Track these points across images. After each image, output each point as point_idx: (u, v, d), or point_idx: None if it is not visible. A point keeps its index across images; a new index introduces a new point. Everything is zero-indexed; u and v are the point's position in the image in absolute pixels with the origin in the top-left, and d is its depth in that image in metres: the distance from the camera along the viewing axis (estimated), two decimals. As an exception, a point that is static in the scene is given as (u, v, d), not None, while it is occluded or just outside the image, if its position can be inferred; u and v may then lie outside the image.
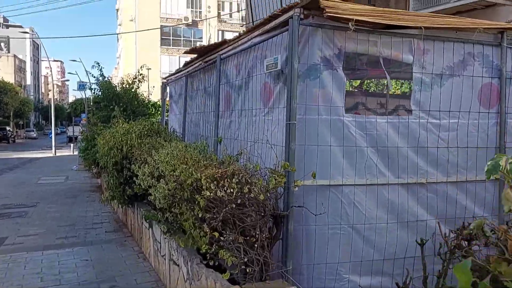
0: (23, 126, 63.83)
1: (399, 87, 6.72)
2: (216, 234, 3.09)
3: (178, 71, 8.59)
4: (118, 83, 12.83)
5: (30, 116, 71.73)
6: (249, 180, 3.21)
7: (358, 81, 5.86)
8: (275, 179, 3.16)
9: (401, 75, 4.62)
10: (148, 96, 13.43)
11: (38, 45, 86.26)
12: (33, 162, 23.00)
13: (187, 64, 7.75)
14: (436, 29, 3.91)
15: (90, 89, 12.41)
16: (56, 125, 32.75)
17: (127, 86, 12.51)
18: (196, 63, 7.14)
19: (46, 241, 6.99)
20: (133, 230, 7.18)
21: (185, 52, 7.15)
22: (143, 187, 5.28)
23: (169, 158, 4.66)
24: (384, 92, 5.08)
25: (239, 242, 3.15)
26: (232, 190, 3.09)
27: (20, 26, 66.14)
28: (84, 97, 38.88)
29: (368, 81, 6.38)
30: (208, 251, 3.19)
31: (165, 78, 9.95)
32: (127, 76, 12.54)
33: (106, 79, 12.30)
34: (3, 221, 8.53)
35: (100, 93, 12.19)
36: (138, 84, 12.31)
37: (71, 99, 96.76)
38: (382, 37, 3.88)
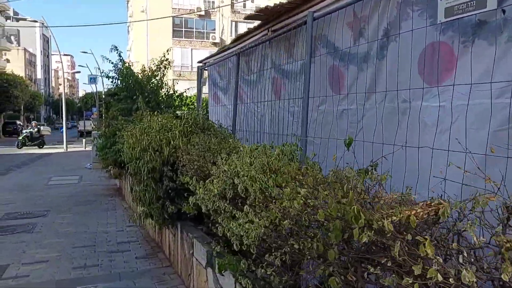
0: (33, 120, 62.68)
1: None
2: None
3: (222, 49, 6.78)
4: (139, 70, 11.06)
5: (40, 110, 70.68)
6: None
7: None
8: None
9: None
10: (173, 87, 11.59)
11: (48, 38, 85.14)
12: (43, 158, 21.37)
13: (239, 38, 5.94)
14: None
15: (108, 77, 10.60)
16: (67, 119, 31.30)
17: (150, 73, 10.75)
18: (257, 33, 5.32)
19: (59, 273, 5.25)
20: (172, 257, 5.44)
21: (246, 18, 5.34)
22: (204, 211, 3.53)
23: (256, 171, 2.89)
24: None
25: None
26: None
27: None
28: (95, 90, 37.48)
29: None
30: None
31: (201, 61, 8.15)
32: (151, 62, 10.74)
33: (127, 64, 10.51)
34: (5, 238, 6.84)
35: (119, 81, 10.43)
36: (164, 71, 10.53)
37: (81, 93, 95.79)
38: None
